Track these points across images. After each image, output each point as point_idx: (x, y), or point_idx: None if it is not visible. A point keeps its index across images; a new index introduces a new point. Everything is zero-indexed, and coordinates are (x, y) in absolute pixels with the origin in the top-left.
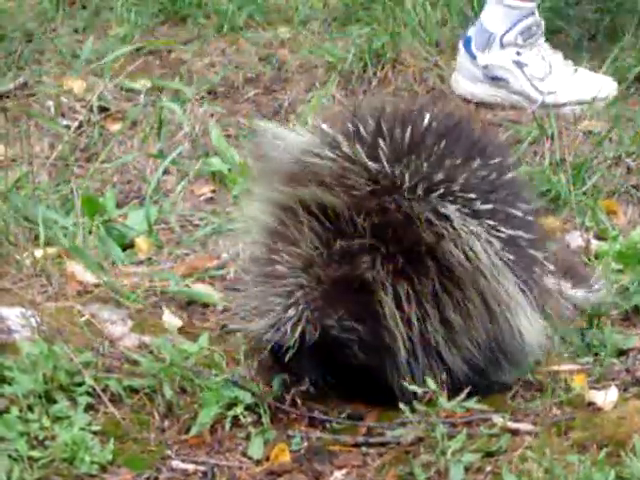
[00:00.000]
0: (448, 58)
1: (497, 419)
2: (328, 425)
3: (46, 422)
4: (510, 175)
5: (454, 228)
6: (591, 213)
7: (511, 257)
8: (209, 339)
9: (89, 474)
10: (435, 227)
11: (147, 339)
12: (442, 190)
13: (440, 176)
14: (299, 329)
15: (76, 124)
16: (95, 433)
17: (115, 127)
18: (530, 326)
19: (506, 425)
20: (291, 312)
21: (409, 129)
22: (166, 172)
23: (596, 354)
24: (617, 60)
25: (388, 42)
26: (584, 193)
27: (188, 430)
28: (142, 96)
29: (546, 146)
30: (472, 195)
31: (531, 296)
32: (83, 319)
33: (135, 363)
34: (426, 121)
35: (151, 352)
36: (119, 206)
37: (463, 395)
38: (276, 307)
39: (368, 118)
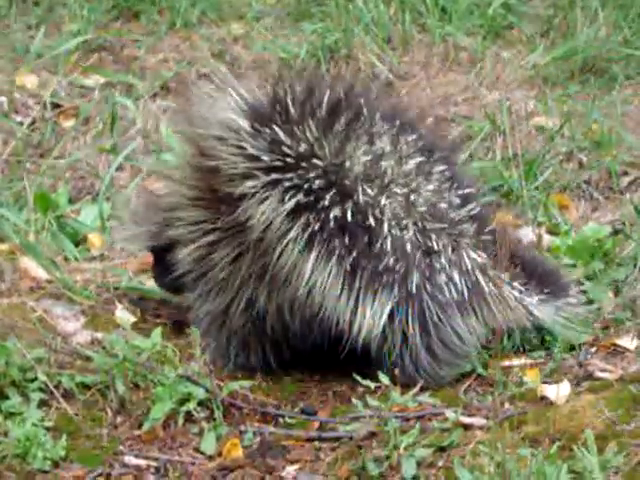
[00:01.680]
0: (400, 54)
1: (449, 413)
2: (281, 420)
3: None
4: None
5: None
6: (543, 208)
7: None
8: (162, 334)
9: (42, 470)
10: None
11: (100, 335)
12: None
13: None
14: None
15: (29, 120)
16: (48, 429)
17: (68, 123)
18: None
19: (458, 419)
20: None
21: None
22: (119, 168)
23: (548, 349)
24: (569, 55)
25: (341, 38)
26: (536, 188)
27: (141, 426)
28: (95, 92)
29: (498, 142)
30: None
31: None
32: (36, 315)
33: (88, 359)
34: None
35: (104, 348)
36: (72, 202)
37: (416, 389)
38: None
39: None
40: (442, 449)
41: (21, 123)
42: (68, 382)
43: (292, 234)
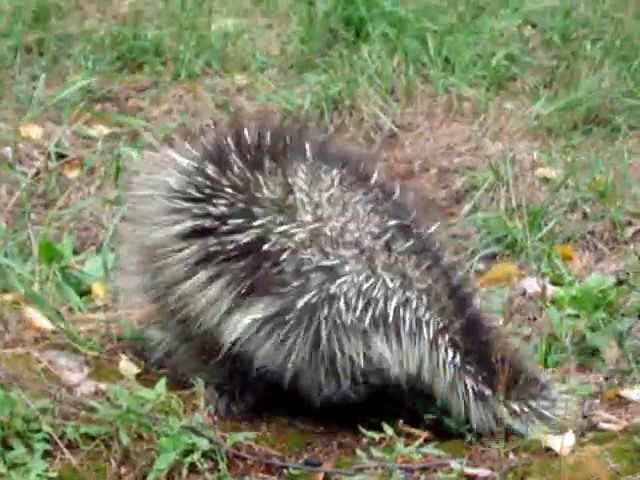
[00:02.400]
0: (404, 105)
1: (454, 464)
2: (285, 471)
3: (2, 469)
4: None
5: None
6: (547, 259)
7: None
8: (166, 386)
9: None
10: None
11: (104, 386)
12: None
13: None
14: None
15: (34, 171)
16: None
17: (73, 174)
18: None
19: (463, 470)
20: None
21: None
22: (123, 219)
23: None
24: (572, 105)
25: (344, 89)
26: (540, 239)
27: (145, 477)
28: (99, 142)
29: (502, 192)
30: None
31: None
32: (40, 366)
33: (92, 410)
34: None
35: (108, 399)
36: (76, 252)
37: (420, 440)
38: None
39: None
40: None
41: (25, 173)
42: (72, 433)
43: (184, 253)
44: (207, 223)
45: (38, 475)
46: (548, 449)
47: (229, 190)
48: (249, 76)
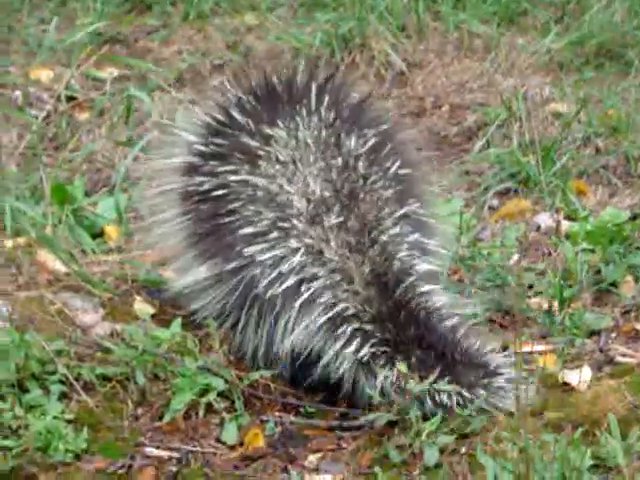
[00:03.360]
0: (415, 42)
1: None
2: (302, 410)
3: (19, 411)
4: None
5: None
6: (561, 194)
7: None
8: (181, 325)
9: (63, 462)
10: None
11: (119, 327)
12: None
13: None
14: None
15: (44, 114)
16: (69, 421)
17: (83, 116)
18: None
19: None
20: None
21: None
22: (135, 160)
23: (569, 334)
24: (583, 39)
25: (355, 27)
26: (554, 174)
27: (161, 417)
28: (108, 84)
29: (515, 128)
30: None
31: None
32: (54, 308)
33: (107, 351)
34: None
35: (123, 340)
36: (88, 195)
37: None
38: None
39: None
40: (464, 436)
41: (36, 117)
42: (88, 374)
43: (168, 186)
44: (196, 161)
45: (55, 417)
46: (565, 383)
47: (227, 130)
48: (259, 16)
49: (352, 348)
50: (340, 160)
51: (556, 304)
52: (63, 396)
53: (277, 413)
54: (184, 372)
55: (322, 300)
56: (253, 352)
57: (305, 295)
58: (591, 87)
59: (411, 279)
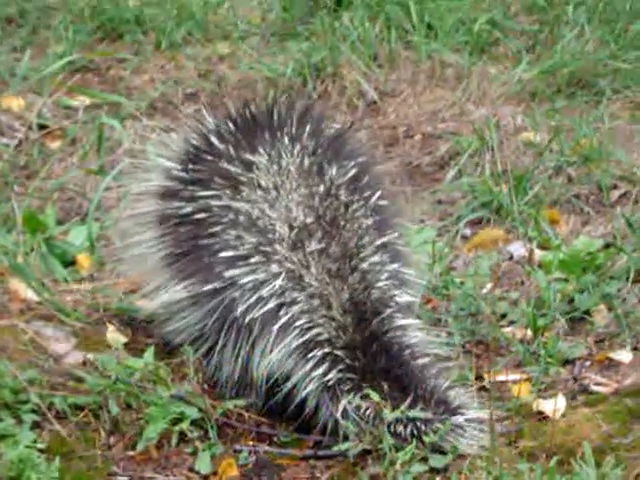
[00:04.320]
0: (387, 71)
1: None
2: (275, 439)
3: None
4: None
5: None
6: (534, 223)
7: None
8: (155, 354)
9: None
10: None
11: (91, 356)
12: None
13: None
14: None
15: (15, 142)
16: (41, 451)
17: (55, 144)
18: None
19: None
20: None
21: None
22: (107, 189)
23: (543, 363)
24: (555, 68)
25: (327, 56)
26: (526, 203)
27: (134, 446)
28: (80, 112)
29: (487, 157)
30: None
31: None
32: (27, 337)
33: (80, 380)
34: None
35: (96, 369)
36: (60, 223)
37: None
38: None
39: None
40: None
41: (7, 145)
42: (61, 403)
43: (142, 210)
44: (175, 186)
45: (27, 446)
46: (540, 412)
47: (206, 157)
48: (231, 45)
49: (320, 371)
50: (322, 187)
51: (530, 333)
52: (35, 425)
53: (251, 442)
54: (157, 401)
55: (298, 324)
56: (228, 377)
57: (283, 319)
58: (563, 116)
59: (389, 311)
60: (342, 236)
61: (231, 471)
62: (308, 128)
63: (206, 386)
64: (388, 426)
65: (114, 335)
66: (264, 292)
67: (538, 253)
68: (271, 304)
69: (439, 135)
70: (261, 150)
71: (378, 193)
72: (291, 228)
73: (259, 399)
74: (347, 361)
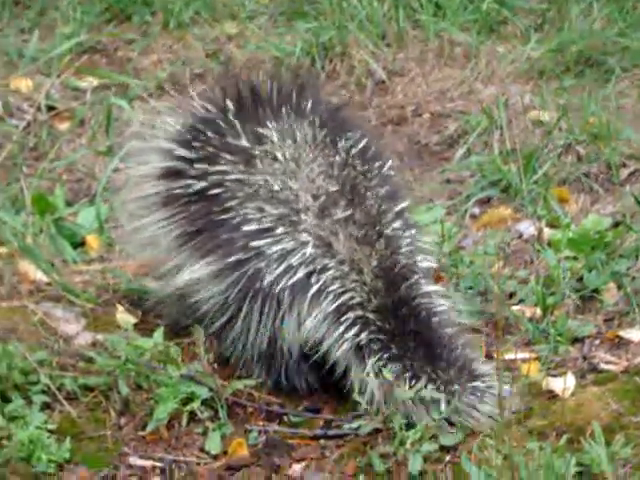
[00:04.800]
0: (395, 51)
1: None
2: (285, 418)
3: (1, 422)
4: None
5: None
6: (543, 202)
7: None
8: (164, 334)
9: (46, 473)
10: None
11: (101, 337)
12: None
13: None
14: None
15: (24, 124)
16: (51, 432)
17: (63, 126)
18: None
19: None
20: None
21: None
22: (116, 169)
23: (552, 342)
24: (563, 46)
25: (335, 36)
26: (535, 182)
27: (145, 426)
28: (89, 94)
29: (495, 136)
30: None
31: None
32: (36, 318)
33: (90, 361)
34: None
35: (106, 349)
36: (69, 204)
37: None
38: None
39: None
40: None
41: (16, 126)
42: (71, 384)
43: (151, 192)
44: (180, 166)
45: (37, 427)
46: (549, 391)
47: (209, 133)
48: (239, 24)
49: (352, 332)
50: (338, 158)
51: (539, 312)
52: (46, 406)
53: (261, 422)
54: (167, 381)
55: (331, 289)
56: (253, 347)
57: (316, 286)
58: (572, 95)
59: (416, 277)
60: (365, 204)
61: (241, 451)
62: (310, 102)
63: (216, 365)
64: (407, 383)
65: (124, 316)
66: (293, 261)
67: (547, 232)
68: (301, 272)
69: (448, 114)
70: (269, 124)
71: (388, 163)
72: (315, 197)
73: (287, 368)
74: (378, 323)
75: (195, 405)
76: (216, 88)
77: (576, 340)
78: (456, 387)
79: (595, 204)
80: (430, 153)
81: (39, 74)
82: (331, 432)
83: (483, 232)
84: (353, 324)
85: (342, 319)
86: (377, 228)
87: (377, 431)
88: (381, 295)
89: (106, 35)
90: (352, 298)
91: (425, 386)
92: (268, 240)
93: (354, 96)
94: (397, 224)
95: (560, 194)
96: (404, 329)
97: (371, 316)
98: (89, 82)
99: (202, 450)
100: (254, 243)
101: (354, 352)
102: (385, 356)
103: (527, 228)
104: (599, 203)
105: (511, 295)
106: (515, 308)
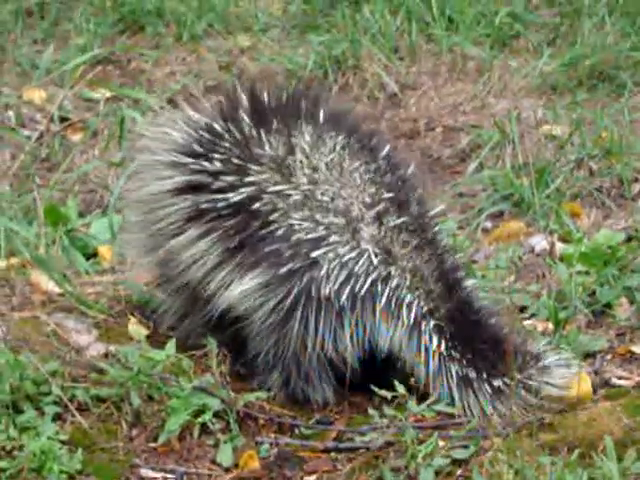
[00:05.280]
0: (408, 64)
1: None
2: (297, 430)
3: (13, 432)
4: None
5: None
6: (555, 216)
7: None
8: (176, 346)
9: None
10: None
11: (113, 348)
12: None
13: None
14: None
15: (37, 134)
16: (63, 442)
17: (76, 137)
18: None
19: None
20: None
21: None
22: (128, 180)
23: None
24: (576, 61)
25: (348, 49)
26: (547, 196)
27: (156, 438)
28: (102, 105)
29: (508, 150)
30: None
31: None
32: (49, 329)
33: (102, 372)
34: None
35: (118, 361)
36: (82, 215)
37: (432, 398)
38: None
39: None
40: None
41: (29, 137)
42: (83, 395)
43: (174, 208)
44: (202, 179)
45: (49, 438)
46: (561, 405)
47: (226, 145)
48: (252, 37)
49: (434, 342)
50: (375, 165)
51: (551, 326)
52: (57, 417)
53: (272, 434)
54: (179, 393)
55: (400, 298)
56: (311, 353)
57: (384, 296)
58: (584, 109)
59: (461, 274)
60: (410, 209)
61: (253, 463)
62: (329, 112)
63: (228, 378)
64: (485, 383)
65: (136, 327)
66: (355, 269)
67: (559, 246)
68: (365, 281)
69: (460, 128)
70: (296, 133)
71: (410, 168)
72: (369, 205)
73: (309, 379)
74: (451, 329)
75: (207, 417)
76: (228, 99)
77: (588, 355)
78: (529, 371)
79: (607, 219)
80: (442, 167)
81: (52, 85)
82: (343, 445)
83: (495, 246)
84: (431, 333)
85: (421, 329)
86: (425, 233)
87: (389, 444)
88: (445, 300)
89: (119, 47)
90: (422, 307)
91: (503, 382)
92: (323, 249)
93: (366, 109)
94: (437, 227)
95: (572, 209)
96: (471, 332)
97: (443, 324)
98: (102, 93)
99: (214, 462)
100: (307, 252)
101: (437, 362)
102: (464, 361)
103: (539, 242)
104: (611, 218)
105: (523, 309)
106: (527, 322)
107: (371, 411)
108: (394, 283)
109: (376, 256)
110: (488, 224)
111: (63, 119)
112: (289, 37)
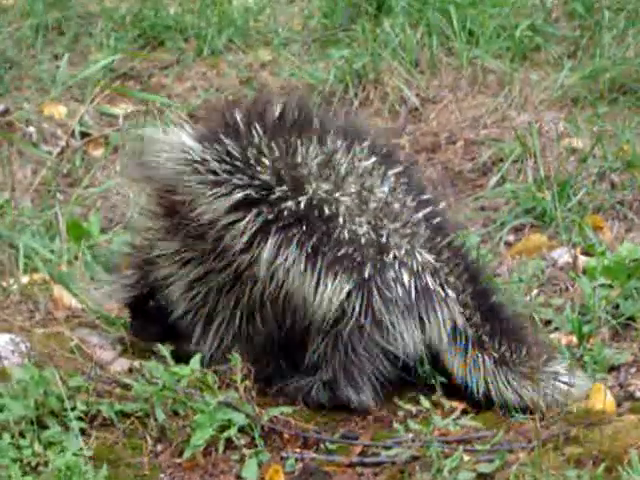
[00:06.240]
0: (428, 78)
1: (492, 436)
2: (322, 445)
3: (38, 448)
4: None
5: None
6: (578, 229)
7: None
8: (201, 361)
9: None
10: None
11: (137, 363)
12: None
13: None
14: None
15: (58, 150)
16: (88, 458)
17: (97, 152)
18: None
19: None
20: None
21: None
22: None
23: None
24: (596, 74)
25: (368, 63)
26: (569, 209)
27: (181, 453)
28: (121, 120)
29: (529, 164)
30: None
31: None
32: (72, 344)
33: (126, 387)
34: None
35: (142, 376)
36: (104, 231)
37: (457, 413)
38: None
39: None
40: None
41: (50, 153)
42: (107, 410)
43: (242, 224)
44: (254, 192)
45: (74, 454)
46: (587, 419)
47: (264, 160)
48: (272, 52)
49: (469, 349)
50: (396, 169)
51: (575, 339)
52: (82, 432)
53: (297, 449)
54: (204, 408)
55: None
56: (362, 359)
57: (440, 292)
58: (605, 122)
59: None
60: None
61: (278, 478)
62: (344, 125)
63: (252, 392)
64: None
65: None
66: (415, 267)
67: (582, 259)
68: (422, 278)
69: (481, 141)
70: (328, 141)
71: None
72: (408, 210)
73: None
74: (485, 330)
75: (232, 432)
76: (249, 112)
77: (612, 368)
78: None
79: (630, 232)
80: (464, 180)
81: (73, 100)
82: (368, 459)
83: (518, 260)
84: (464, 338)
85: (460, 336)
86: (446, 238)
87: (414, 459)
88: (476, 303)
89: (137, 55)
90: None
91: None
92: (388, 252)
93: (387, 123)
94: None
95: (594, 222)
96: (504, 326)
97: (475, 317)
98: (123, 109)
99: (239, 477)
100: (375, 256)
101: (474, 368)
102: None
103: (562, 256)
104: (634, 231)
105: (547, 323)
106: (551, 336)
107: (396, 425)
108: (441, 278)
109: (424, 255)
110: (510, 237)
111: (84, 134)
112: (309, 51)
